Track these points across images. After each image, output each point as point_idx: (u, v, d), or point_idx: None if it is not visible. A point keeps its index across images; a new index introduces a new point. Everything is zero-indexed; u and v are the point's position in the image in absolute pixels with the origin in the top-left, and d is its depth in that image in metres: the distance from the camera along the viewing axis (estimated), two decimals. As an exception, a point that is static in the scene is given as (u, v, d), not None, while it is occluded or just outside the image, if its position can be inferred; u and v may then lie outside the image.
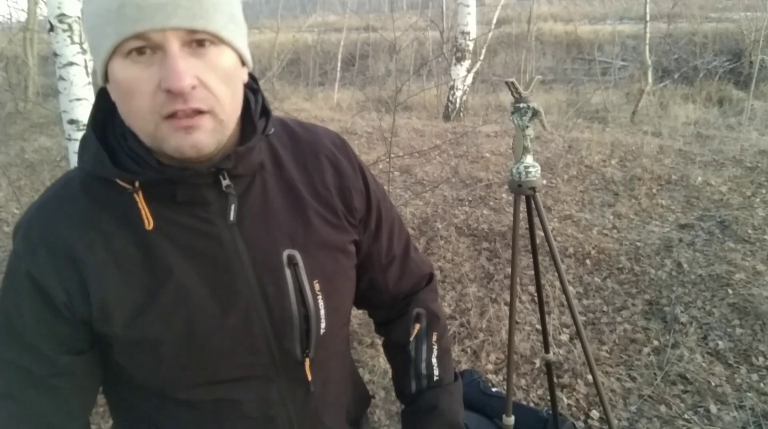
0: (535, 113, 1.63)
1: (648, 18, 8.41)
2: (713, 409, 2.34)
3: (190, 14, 0.62)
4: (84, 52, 2.67)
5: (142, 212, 0.70)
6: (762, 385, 2.48)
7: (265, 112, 0.77)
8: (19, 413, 0.72)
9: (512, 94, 1.65)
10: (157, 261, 0.70)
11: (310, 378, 0.81)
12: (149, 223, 0.70)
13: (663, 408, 2.37)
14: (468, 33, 7.40)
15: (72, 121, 2.63)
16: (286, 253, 0.76)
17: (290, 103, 9.24)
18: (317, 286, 0.78)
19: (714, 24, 11.55)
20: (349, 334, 0.98)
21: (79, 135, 2.64)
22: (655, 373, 2.56)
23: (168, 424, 0.79)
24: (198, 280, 0.72)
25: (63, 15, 2.54)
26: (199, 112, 0.64)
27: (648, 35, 8.43)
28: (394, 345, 0.99)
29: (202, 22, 0.63)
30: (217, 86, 0.65)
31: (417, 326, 0.97)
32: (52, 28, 2.56)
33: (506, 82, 1.65)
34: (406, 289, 0.97)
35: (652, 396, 2.43)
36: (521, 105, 1.63)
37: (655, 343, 2.80)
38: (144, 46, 0.62)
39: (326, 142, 0.85)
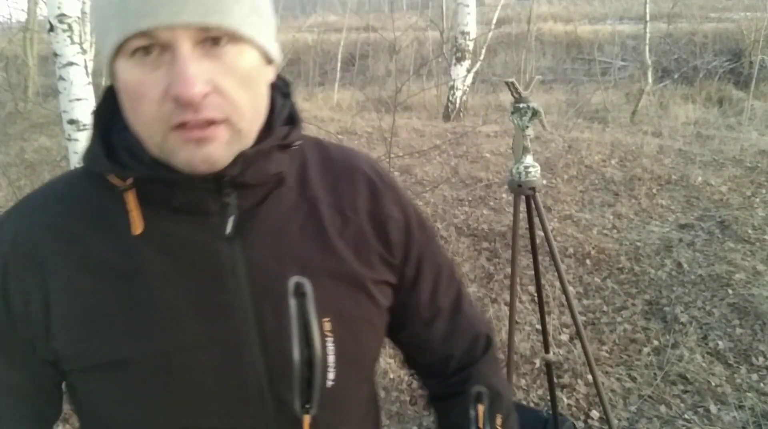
0: (535, 113, 1.64)
1: (648, 18, 8.42)
2: (713, 409, 2.34)
3: (203, 8, 0.53)
4: (84, 52, 2.66)
5: (131, 214, 0.61)
6: (762, 385, 2.48)
7: (292, 120, 0.68)
8: None
9: (512, 94, 1.65)
10: (137, 270, 0.61)
11: None
12: (137, 227, 0.61)
13: (663, 408, 2.37)
14: (468, 33, 7.40)
15: (72, 121, 2.63)
16: (293, 280, 0.64)
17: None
18: (327, 326, 0.65)
19: (714, 24, 11.55)
20: (378, 405, 0.85)
21: (79, 135, 2.65)
22: (655, 373, 2.56)
23: None
24: (183, 296, 0.61)
25: (63, 15, 2.54)
26: (213, 123, 0.55)
27: (648, 35, 8.45)
28: (453, 426, 0.84)
29: (217, 18, 0.53)
30: (234, 92, 0.56)
31: (480, 408, 0.82)
32: (52, 28, 2.56)
33: (506, 82, 1.65)
34: (458, 352, 0.83)
35: (652, 396, 2.44)
36: (521, 105, 1.63)
37: (655, 343, 2.80)
38: (150, 45, 0.53)
39: (364, 166, 0.75)
